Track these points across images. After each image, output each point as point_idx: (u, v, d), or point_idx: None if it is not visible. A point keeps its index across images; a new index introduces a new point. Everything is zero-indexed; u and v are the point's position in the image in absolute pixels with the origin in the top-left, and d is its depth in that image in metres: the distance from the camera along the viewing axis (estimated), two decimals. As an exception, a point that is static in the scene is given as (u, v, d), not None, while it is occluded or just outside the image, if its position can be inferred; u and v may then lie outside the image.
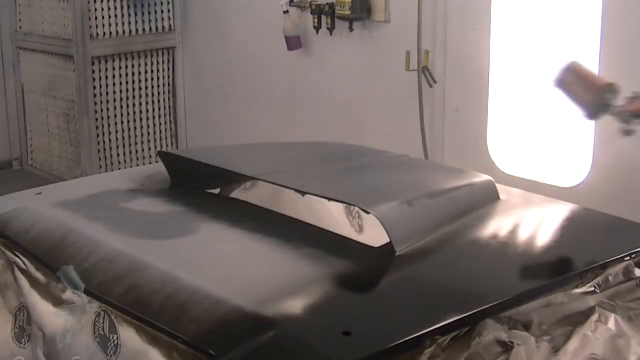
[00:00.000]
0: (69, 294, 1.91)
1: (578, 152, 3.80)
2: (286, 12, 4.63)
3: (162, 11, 5.53)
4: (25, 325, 2.08)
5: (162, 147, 5.69)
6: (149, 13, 5.48)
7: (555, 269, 1.96)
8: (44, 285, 2.00)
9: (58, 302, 1.95)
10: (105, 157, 5.48)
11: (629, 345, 1.84)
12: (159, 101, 5.66)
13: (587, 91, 2.28)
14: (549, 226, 2.30)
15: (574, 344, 1.80)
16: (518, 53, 3.97)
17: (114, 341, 1.79)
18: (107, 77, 5.40)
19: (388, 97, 4.46)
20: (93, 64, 5.31)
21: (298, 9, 4.64)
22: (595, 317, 1.85)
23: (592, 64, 3.42)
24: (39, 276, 2.01)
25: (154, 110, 5.65)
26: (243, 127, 5.27)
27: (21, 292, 2.07)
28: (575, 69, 2.31)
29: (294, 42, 4.66)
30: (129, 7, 5.39)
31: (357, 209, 2.05)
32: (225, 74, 5.35)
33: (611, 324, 1.85)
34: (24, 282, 2.06)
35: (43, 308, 1.99)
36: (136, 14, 5.44)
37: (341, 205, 2.11)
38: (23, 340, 2.08)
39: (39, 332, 2.01)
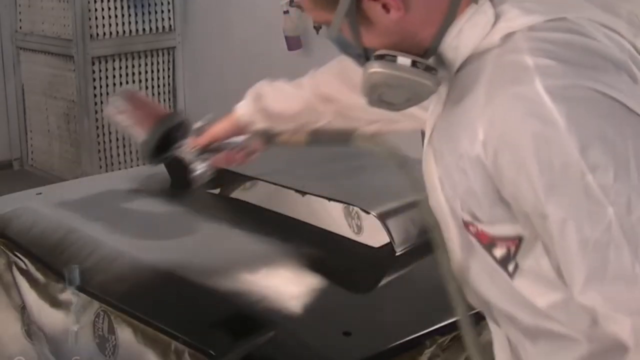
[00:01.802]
0: (67, 294, 1.91)
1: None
2: (286, 12, 4.63)
3: (162, 11, 5.52)
4: (29, 323, 2.09)
5: (162, 147, 5.68)
6: (149, 13, 5.48)
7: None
8: (43, 285, 2.00)
9: (56, 303, 1.95)
10: (105, 157, 5.48)
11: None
12: (159, 101, 5.65)
13: (142, 124, 1.68)
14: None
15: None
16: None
17: (113, 341, 1.79)
18: (107, 77, 5.39)
19: (388, 97, 4.45)
20: (93, 64, 5.31)
21: (298, 9, 4.64)
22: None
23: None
24: (39, 276, 2.01)
25: (154, 110, 5.65)
26: (243, 127, 5.27)
27: (21, 292, 2.08)
28: (130, 96, 1.74)
29: (294, 42, 4.66)
30: (129, 7, 5.38)
31: (356, 209, 2.05)
32: (225, 74, 5.35)
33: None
34: (23, 282, 2.06)
35: (41, 308, 1.99)
36: (136, 14, 5.43)
37: (340, 206, 2.11)
38: (33, 336, 2.08)
39: (39, 332, 2.02)
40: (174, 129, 1.70)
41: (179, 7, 5.55)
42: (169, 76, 5.67)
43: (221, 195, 2.42)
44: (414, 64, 1.12)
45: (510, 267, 1.14)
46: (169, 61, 5.65)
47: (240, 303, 1.73)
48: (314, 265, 1.91)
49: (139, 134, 1.69)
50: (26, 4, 5.67)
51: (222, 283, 1.84)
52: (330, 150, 2.84)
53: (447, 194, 1.17)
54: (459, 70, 1.15)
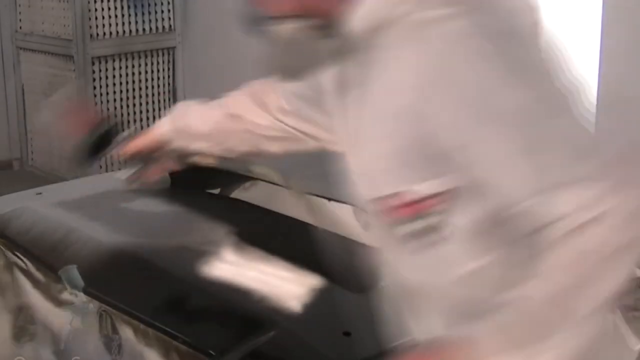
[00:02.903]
0: (67, 295, 1.91)
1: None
2: (286, 12, 4.63)
3: (162, 11, 5.52)
4: (26, 324, 2.08)
5: (162, 147, 5.68)
6: (149, 13, 5.48)
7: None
8: (44, 284, 2.00)
9: (59, 302, 1.95)
10: (105, 157, 5.47)
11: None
12: (159, 101, 5.65)
13: (74, 130, 1.76)
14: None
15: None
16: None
17: (118, 340, 1.79)
18: (107, 77, 5.39)
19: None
20: (93, 64, 5.31)
21: (298, 8, 4.64)
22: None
23: (592, 63, 3.42)
24: (39, 276, 2.01)
25: (154, 110, 5.64)
26: (243, 127, 5.26)
27: (21, 292, 2.07)
28: (63, 104, 1.81)
29: (294, 42, 4.66)
30: (129, 7, 5.39)
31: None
32: (225, 74, 5.35)
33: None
34: (24, 282, 2.06)
35: (47, 307, 1.99)
36: (136, 14, 5.43)
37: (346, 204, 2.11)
38: (22, 339, 2.08)
39: (45, 331, 2.01)
40: (104, 135, 1.81)
41: (179, 7, 5.55)
42: (169, 76, 5.67)
43: (221, 195, 2.42)
44: (314, 27, 1.24)
45: (432, 238, 1.23)
46: (169, 61, 5.65)
47: (241, 303, 1.73)
48: (314, 265, 1.91)
49: (71, 140, 1.76)
50: (26, 4, 5.67)
51: (222, 283, 1.84)
52: (330, 151, 2.85)
53: (366, 183, 1.27)
54: (364, 47, 1.23)
